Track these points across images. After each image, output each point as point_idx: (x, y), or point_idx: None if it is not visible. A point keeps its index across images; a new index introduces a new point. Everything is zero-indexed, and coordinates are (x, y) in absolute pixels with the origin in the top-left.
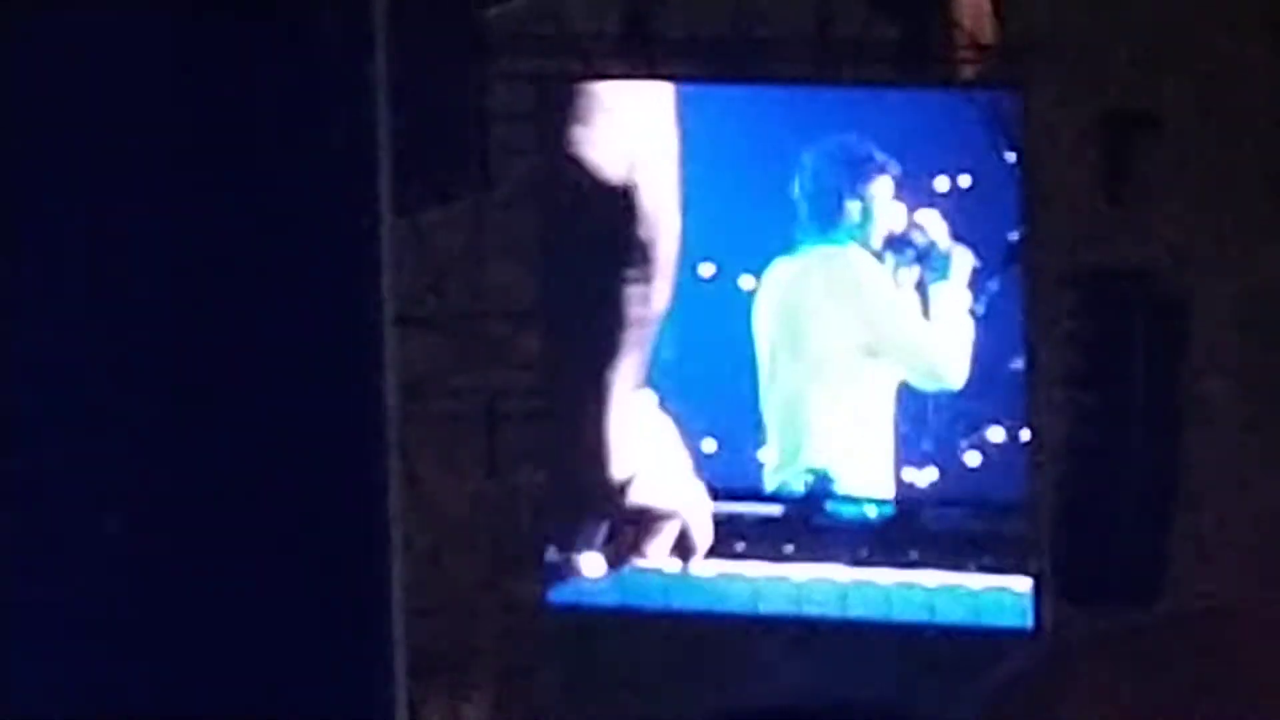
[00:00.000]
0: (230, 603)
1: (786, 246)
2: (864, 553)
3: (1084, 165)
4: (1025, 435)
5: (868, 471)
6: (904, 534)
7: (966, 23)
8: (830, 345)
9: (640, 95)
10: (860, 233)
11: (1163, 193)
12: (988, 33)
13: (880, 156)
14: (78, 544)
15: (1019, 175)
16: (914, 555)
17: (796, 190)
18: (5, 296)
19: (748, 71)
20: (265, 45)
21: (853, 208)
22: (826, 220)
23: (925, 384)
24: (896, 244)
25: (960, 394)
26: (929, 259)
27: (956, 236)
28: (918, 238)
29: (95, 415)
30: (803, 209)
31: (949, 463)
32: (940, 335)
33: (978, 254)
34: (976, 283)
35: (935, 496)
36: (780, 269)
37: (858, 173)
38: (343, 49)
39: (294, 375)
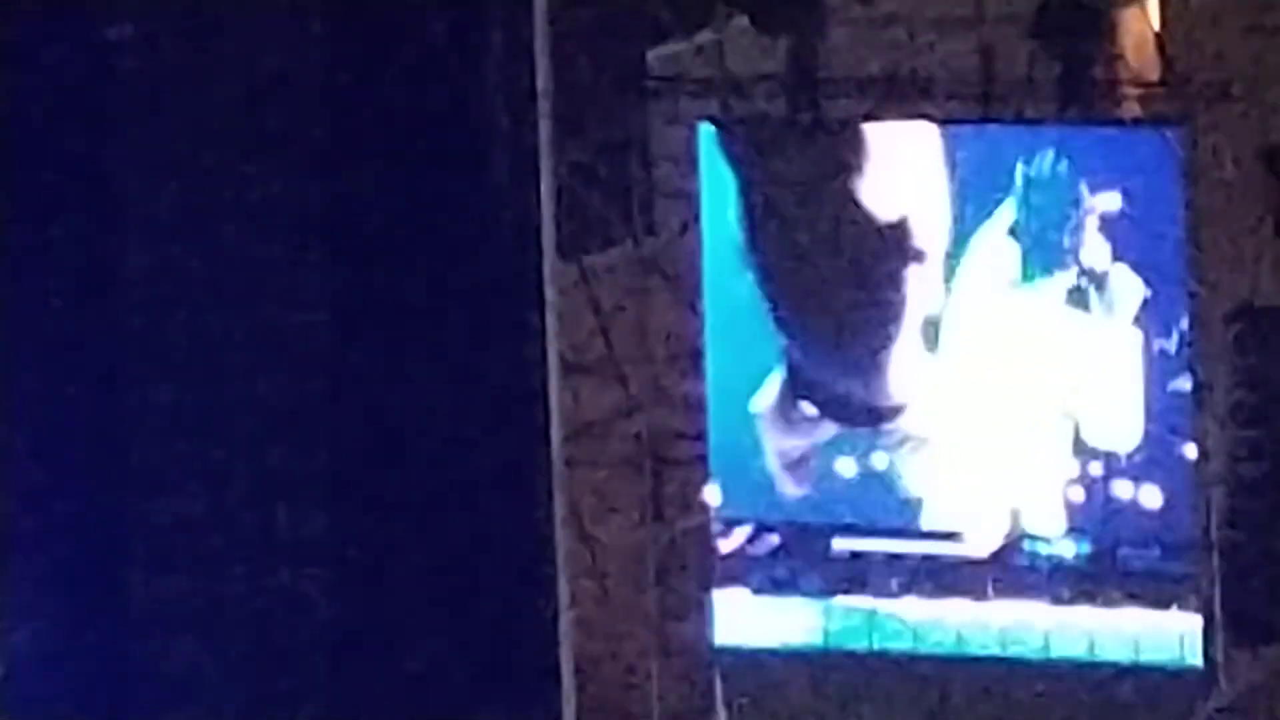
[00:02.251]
0: (399, 646)
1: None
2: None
3: (1250, 199)
4: (1193, 467)
5: (1048, 513)
6: (1085, 573)
7: (1131, 59)
8: (1020, 389)
9: (805, 134)
10: (1052, 275)
11: None
12: (1152, 69)
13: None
14: (261, 594)
15: (1185, 210)
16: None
17: (991, 230)
18: (166, 326)
19: (911, 110)
20: (431, 96)
21: (1053, 248)
22: (1028, 260)
23: (1097, 440)
24: (1086, 284)
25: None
26: (1103, 292)
27: (1129, 267)
28: (1098, 275)
29: (270, 464)
30: (1003, 250)
31: (1123, 502)
32: (1112, 394)
33: (1148, 286)
34: (1146, 318)
35: (1112, 536)
36: (973, 306)
37: (1059, 212)
38: (506, 96)
39: (460, 420)
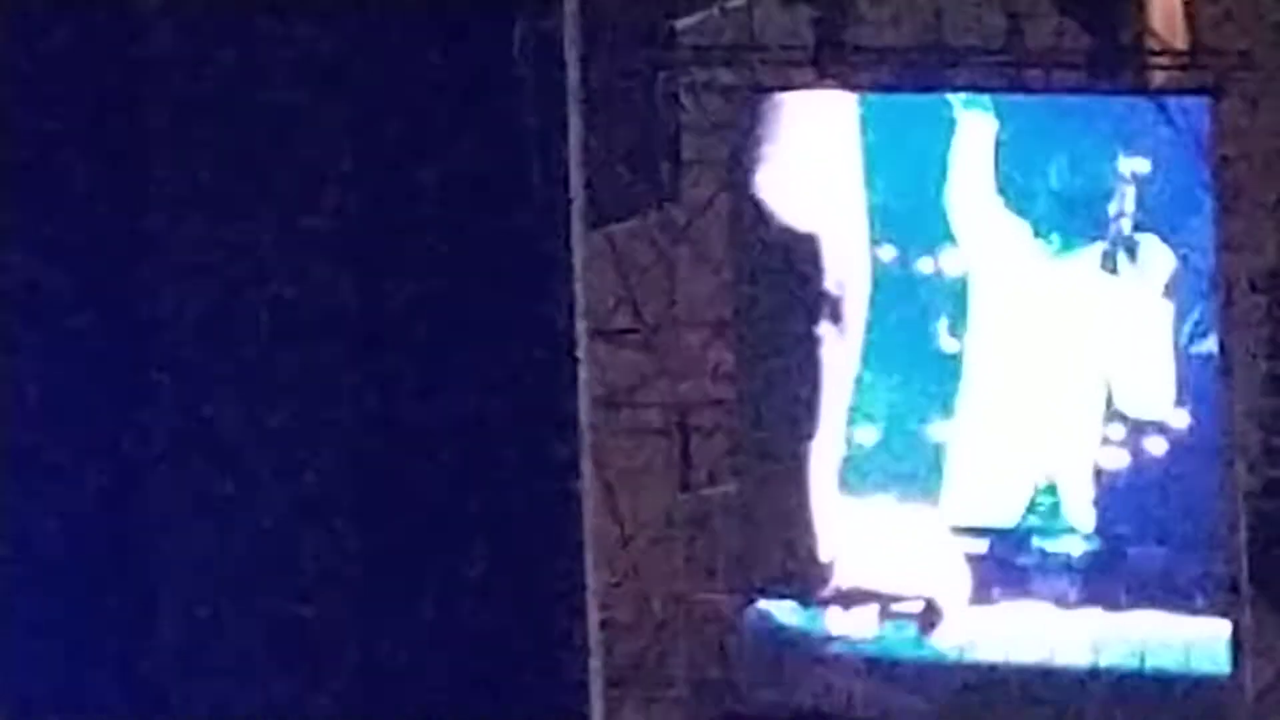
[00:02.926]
0: (426, 612)
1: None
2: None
3: (1277, 168)
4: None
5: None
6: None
7: (1159, 30)
8: (1053, 357)
9: (831, 105)
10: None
11: None
12: (1180, 40)
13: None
14: (275, 552)
15: (1213, 179)
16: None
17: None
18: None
19: (939, 81)
20: (459, 64)
21: (1082, 218)
22: (1060, 230)
23: (1131, 408)
24: (1116, 253)
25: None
26: (1134, 262)
27: (1158, 237)
28: (1128, 243)
29: (293, 425)
30: (1031, 219)
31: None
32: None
33: (1177, 256)
34: (1175, 287)
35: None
36: (1003, 275)
37: (1089, 182)
38: (535, 64)
39: (489, 388)
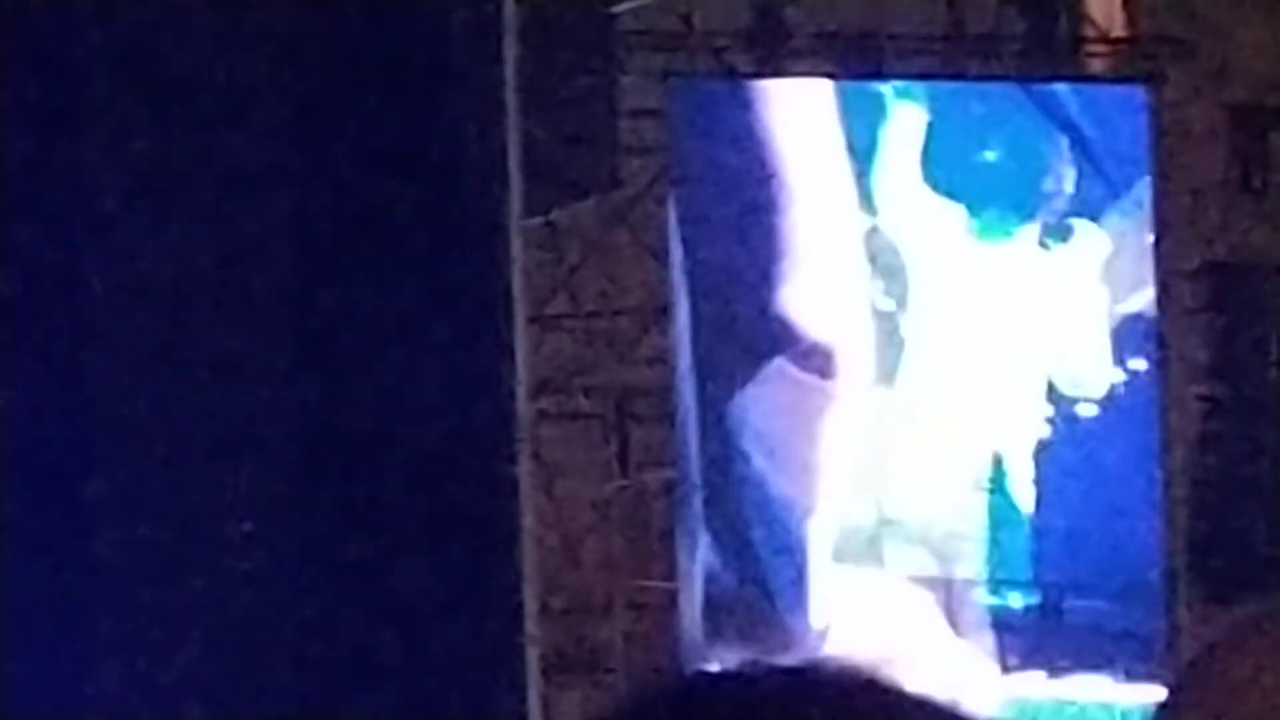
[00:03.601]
0: (360, 601)
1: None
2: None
3: (1216, 157)
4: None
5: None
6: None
7: (1097, 17)
8: (990, 344)
9: (768, 91)
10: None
11: None
12: (1118, 26)
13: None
14: (207, 543)
15: (1153, 167)
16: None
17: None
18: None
19: (877, 68)
20: (394, 45)
21: (1019, 204)
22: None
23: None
24: (1052, 241)
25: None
26: (1069, 250)
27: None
28: (1065, 231)
29: (223, 413)
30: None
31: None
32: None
33: (1114, 244)
34: (1112, 274)
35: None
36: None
37: (1026, 168)
38: (471, 47)
39: (425, 374)
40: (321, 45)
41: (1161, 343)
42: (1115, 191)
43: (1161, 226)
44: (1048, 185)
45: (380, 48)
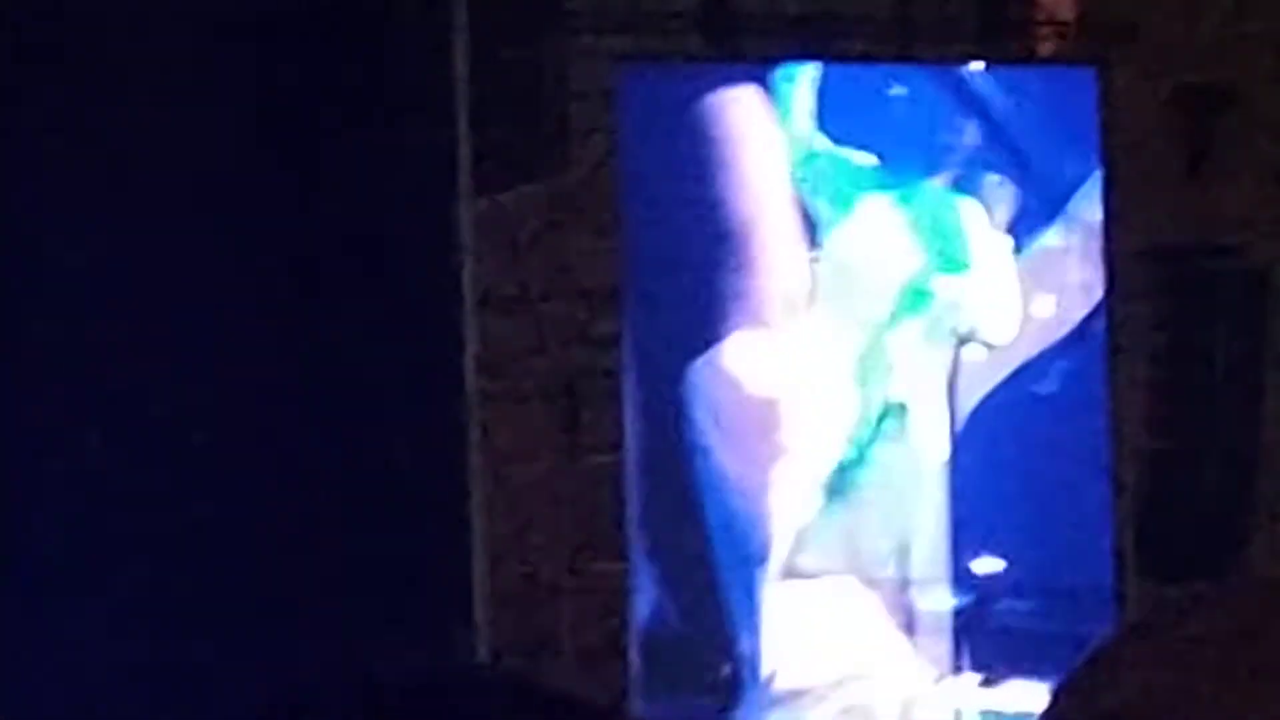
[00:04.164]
0: (306, 585)
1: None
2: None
3: (1163, 141)
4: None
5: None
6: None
7: (1045, 0)
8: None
9: (720, 73)
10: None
11: (1245, 169)
12: (1067, 10)
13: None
14: (167, 523)
15: (1100, 150)
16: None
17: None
18: (67, 296)
19: (827, 49)
20: (340, 25)
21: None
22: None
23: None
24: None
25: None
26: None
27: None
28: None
29: (181, 400)
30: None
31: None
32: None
33: (1062, 227)
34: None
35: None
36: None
37: (974, 151)
38: (420, 27)
39: (373, 357)
40: (264, 28)
41: (1110, 326)
42: (1066, 176)
43: (1108, 210)
44: (986, 175)
45: (322, 31)
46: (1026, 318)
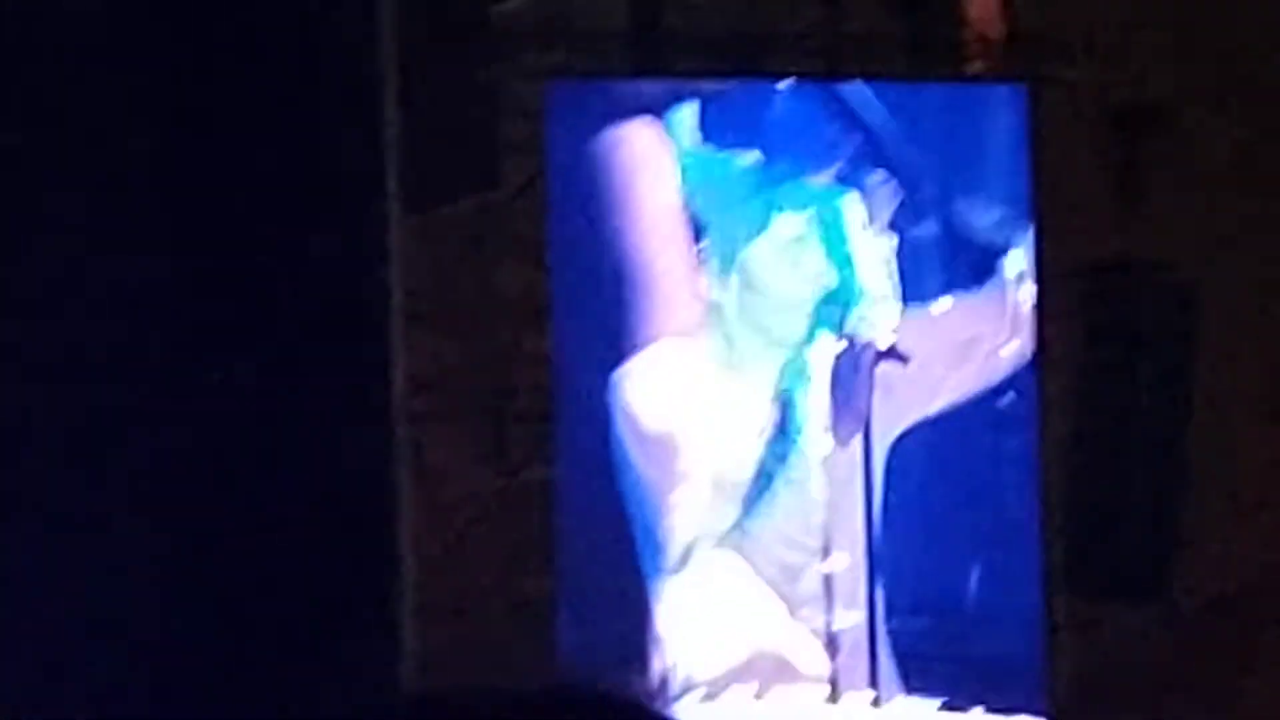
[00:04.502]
0: (233, 604)
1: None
2: None
3: (1094, 158)
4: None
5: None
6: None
7: (976, 18)
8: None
9: (647, 92)
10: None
11: (1174, 186)
12: (997, 28)
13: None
14: (83, 548)
15: (1031, 168)
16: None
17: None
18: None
19: (757, 68)
20: (270, 42)
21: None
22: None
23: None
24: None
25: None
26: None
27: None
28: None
29: (96, 417)
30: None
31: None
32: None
33: (997, 245)
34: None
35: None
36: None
37: (905, 167)
38: (349, 45)
39: (302, 373)
40: (194, 39)
41: (1040, 344)
42: (996, 194)
43: (1039, 229)
44: (918, 193)
45: (253, 44)
46: (963, 357)
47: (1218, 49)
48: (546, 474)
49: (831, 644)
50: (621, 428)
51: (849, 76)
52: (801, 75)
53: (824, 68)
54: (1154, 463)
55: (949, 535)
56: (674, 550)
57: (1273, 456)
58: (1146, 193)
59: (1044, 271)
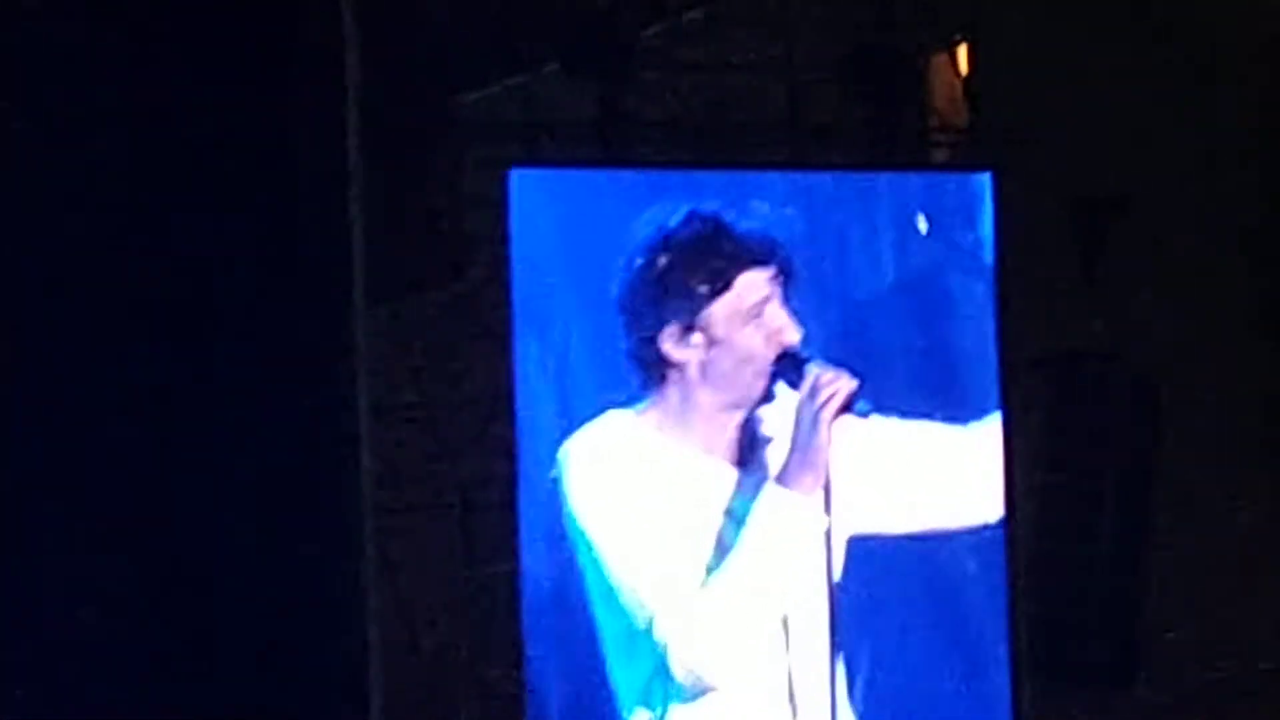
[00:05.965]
0: (202, 688)
1: None
2: None
3: (1057, 249)
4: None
5: None
6: None
7: (939, 106)
8: None
9: (613, 181)
10: None
11: (1136, 276)
12: (961, 116)
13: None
14: (45, 617)
15: (994, 256)
16: None
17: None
18: None
19: (721, 156)
20: (236, 132)
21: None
22: None
23: None
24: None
25: None
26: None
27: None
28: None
29: (70, 513)
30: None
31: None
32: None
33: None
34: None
35: None
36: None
37: (868, 255)
38: (314, 136)
39: (268, 464)
40: (163, 124)
41: (1005, 434)
42: (960, 283)
43: (1003, 316)
44: (879, 280)
45: (219, 139)
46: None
47: (1178, 140)
48: (512, 566)
49: (792, 700)
50: (572, 501)
51: (813, 166)
52: (766, 165)
53: (788, 155)
54: (1119, 550)
55: (917, 631)
56: (641, 615)
57: (1240, 547)
58: (1110, 283)
59: (1007, 362)
